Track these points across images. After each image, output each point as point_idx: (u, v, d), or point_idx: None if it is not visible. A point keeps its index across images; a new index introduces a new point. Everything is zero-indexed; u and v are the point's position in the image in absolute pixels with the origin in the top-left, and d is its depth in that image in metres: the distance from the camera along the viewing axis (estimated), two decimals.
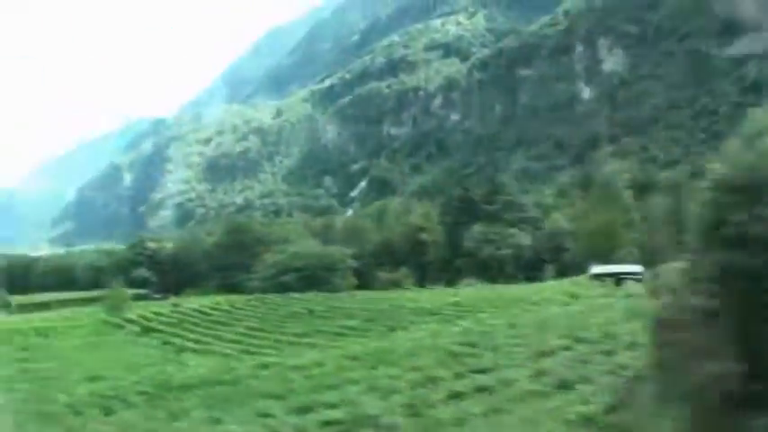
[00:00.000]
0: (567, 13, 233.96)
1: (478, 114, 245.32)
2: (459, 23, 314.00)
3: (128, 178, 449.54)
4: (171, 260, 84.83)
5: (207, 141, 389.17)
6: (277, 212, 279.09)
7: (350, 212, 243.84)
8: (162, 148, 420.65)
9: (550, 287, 41.45)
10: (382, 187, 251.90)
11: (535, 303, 30.35)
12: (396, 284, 58.04)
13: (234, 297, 51.43)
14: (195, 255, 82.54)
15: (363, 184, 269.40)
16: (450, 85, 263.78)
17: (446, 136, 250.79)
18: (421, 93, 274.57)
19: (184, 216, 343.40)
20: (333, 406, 12.87)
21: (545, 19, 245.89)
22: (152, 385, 17.18)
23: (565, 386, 12.94)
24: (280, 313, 39.57)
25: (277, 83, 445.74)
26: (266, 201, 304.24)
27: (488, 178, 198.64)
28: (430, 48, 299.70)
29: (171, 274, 75.07)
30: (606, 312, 21.35)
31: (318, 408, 12.86)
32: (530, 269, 61.71)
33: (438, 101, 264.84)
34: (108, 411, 15.31)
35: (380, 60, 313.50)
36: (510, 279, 57.97)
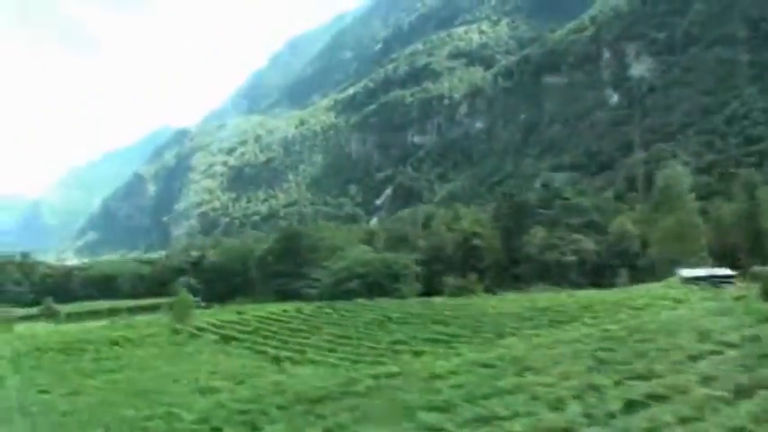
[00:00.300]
0: (593, 19, 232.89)
1: (504, 122, 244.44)
2: (481, 32, 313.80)
3: (151, 189, 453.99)
4: (217, 268, 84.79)
5: (230, 151, 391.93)
6: (302, 221, 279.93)
7: (374, 221, 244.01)
8: (185, 159, 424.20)
9: (641, 292, 39.85)
10: (408, 195, 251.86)
11: (639, 308, 29.42)
12: (464, 291, 57.07)
13: (299, 304, 50.98)
14: (244, 262, 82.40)
15: (388, 192, 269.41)
16: (474, 93, 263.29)
17: (472, 144, 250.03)
18: (445, 101, 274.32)
19: (208, 226, 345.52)
20: (506, 418, 12.44)
21: (570, 26, 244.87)
22: (284, 398, 16.57)
23: (743, 391, 12.54)
24: (359, 320, 38.89)
25: (298, 93, 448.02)
26: (291, 210, 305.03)
27: (518, 185, 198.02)
28: (453, 56, 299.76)
29: (217, 283, 74.94)
30: (728, 315, 20.83)
31: (492, 420, 12.41)
32: (595, 274, 60.59)
33: (463, 109, 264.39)
34: (253, 427, 14.71)
35: (403, 69, 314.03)
36: (575, 285, 57.04)
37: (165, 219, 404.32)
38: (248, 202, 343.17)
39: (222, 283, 76.64)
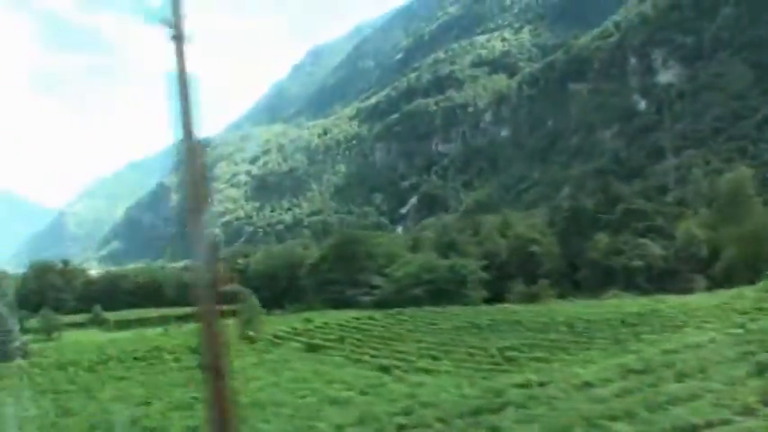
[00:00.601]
0: (618, 25, 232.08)
1: (529, 129, 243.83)
2: (504, 39, 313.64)
3: (174, 198, 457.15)
4: (262, 275, 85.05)
5: (253, 160, 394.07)
6: (326, 231, 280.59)
7: (400, 229, 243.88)
8: (208, 168, 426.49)
9: (733, 296, 38.61)
10: (433, 204, 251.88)
11: (746, 312, 28.68)
12: (534, 297, 56.81)
13: (361, 312, 51.12)
14: (291, 269, 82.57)
15: (414, 200, 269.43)
16: (499, 101, 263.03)
17: (497, 151, 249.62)
18: (470, 109, 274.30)
19: (232, 235, 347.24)
20: (704, 427, 12.31)
21: (595, 32, 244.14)
22: (437, 411, 16.16)
23: None
24: (443, 327, 38.81)
25: (320, 103, 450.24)
26: (315, 219, 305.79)
27: (545, 193, 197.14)
28: (476, 64, 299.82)
29: (263, 290, 74.82)
30: None
31: (699, 429, 12.23)
32: (661, 280, 59.99)
33: (488, 116, 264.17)
34: None
35: (426, 77, 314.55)
36: (644, 291, 56.63)
37: (188, 228, 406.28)
38: (272, 211, 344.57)
39: (268, 290, 76.58)
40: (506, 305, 50.79)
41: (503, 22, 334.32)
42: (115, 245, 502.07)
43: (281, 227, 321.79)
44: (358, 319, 45.50)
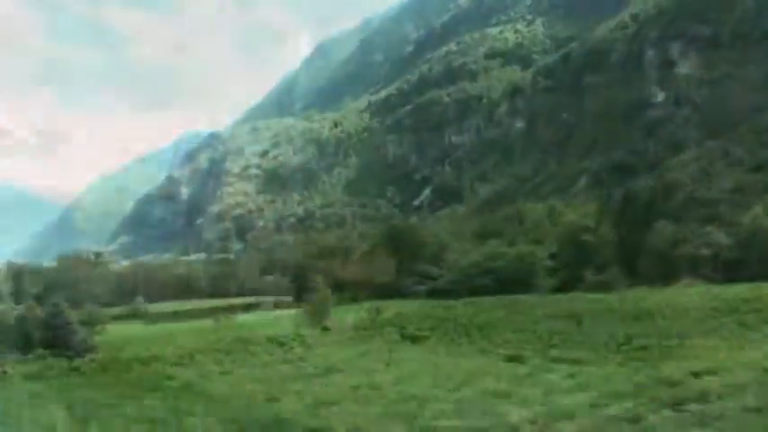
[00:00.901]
0: (634, 17, 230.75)
1: (545, 121, 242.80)
2: (517, 31, 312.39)
3: (184, 192, 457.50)
4: (302, 266, 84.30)
5: (264, 154, 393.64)
6: (339, 223, 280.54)
7: (413, 221, 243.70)
8: (218, 162, 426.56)
9: None
10: (447, 195, 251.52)
11: None
12: (607, 286, 55.98)
13: (435, 302, 50.09)
14: (333, 260, 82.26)
15: (427, 192, 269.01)
16: (514, 92, 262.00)
17: (512, 143, 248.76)
18: (484, 100, 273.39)
19: (243, 228, 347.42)
20: None
21: (611, 24, 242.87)
22: (646, 399, 14.89)
23: None
24: (537, 314, 37.67)
25: (330, 96, 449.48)
26: (327, 211, 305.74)
27: (561, 186, 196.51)
28: (490, 56, 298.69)
29: (302, 281, 74.21)
30: None
31: None
32: (727, 269, 59.10)
33: (503, 108, 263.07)
34: None
35: (438, 69, 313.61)
36: (711, 280, 55.93)
37: (198, 222, 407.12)
38: (284, 204, 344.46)
39: (307, 281, 76.02)
40: (577, 294, 49.86)
41: (515, 14, 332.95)
42: (125, 239, 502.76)
43: (292, 220, 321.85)
44: (434, 308, 44.31)
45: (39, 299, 77.58)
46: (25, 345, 48.03)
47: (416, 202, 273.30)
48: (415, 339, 32.54)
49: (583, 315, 34.46)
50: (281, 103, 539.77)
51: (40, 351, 44.46)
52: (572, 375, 19.34)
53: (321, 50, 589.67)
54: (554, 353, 24.48)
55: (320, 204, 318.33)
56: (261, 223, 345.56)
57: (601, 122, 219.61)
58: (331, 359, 28.46)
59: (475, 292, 55.63)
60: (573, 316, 34.69)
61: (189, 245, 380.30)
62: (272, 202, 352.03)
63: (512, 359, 23.65)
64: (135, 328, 69.06)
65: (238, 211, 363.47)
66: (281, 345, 34.88)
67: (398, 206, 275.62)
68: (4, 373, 33.43)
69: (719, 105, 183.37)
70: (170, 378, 28.11)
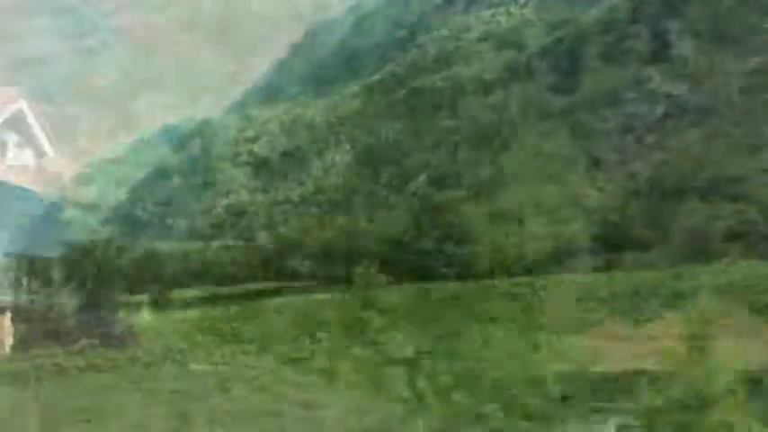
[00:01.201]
0: None
1: (541, 104, 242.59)
2: (510, 14, 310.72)
3: (176, 180, 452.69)
4: (327, 249, 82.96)
5: (255, 139, 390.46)
6: (334, 208, 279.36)
7: None
8: (209, 149, 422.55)
9: None
10: (442, 180, 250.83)
11: None
12: (650, 265, 55.10)
13: (464, 284, 49.22)
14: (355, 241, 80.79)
15: (423, 177, 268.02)
16: (509, 76, 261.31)
17: (508, 127, 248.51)
18: (478, 84, 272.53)
19: (237, 215, 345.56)
20: None
21: (605, 5, 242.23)
22: None
23: None
24: (601, 294, 35.96)
25: (321, 80, 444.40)
26: (321, 197, 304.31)
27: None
28: (483, 39, 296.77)
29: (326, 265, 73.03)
30: None
31: None
32: (758, 246, 58.38)
33: (498, 92, 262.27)
34: None
35: (431, 54, 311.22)
36: (744, 257, 55.35)
37: (190, 210, 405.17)
38: (276, 190, 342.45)
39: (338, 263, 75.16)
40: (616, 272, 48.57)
41: None
42: (116, 229, 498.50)
43: (287, 206, 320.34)
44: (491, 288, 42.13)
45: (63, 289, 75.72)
46: (66, 335, 46.90)
47: (412, 188, 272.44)
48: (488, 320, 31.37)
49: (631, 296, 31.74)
50: (272, 88, 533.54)
51: (83, 342, 43.24)
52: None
53: (311, 35, 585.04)
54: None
55: (314, 190, 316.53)
56: (253, 209, 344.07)
57: (597, 105, 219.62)
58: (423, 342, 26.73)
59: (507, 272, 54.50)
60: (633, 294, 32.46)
61: (183, 233, 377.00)
62: (265, 189, 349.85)
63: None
64: (157, 317, 68.22)
65: (230, 198, 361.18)
66: (358, 327, 33.57)
67: (393, 191, 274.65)
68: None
69: (719, 86, 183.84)
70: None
